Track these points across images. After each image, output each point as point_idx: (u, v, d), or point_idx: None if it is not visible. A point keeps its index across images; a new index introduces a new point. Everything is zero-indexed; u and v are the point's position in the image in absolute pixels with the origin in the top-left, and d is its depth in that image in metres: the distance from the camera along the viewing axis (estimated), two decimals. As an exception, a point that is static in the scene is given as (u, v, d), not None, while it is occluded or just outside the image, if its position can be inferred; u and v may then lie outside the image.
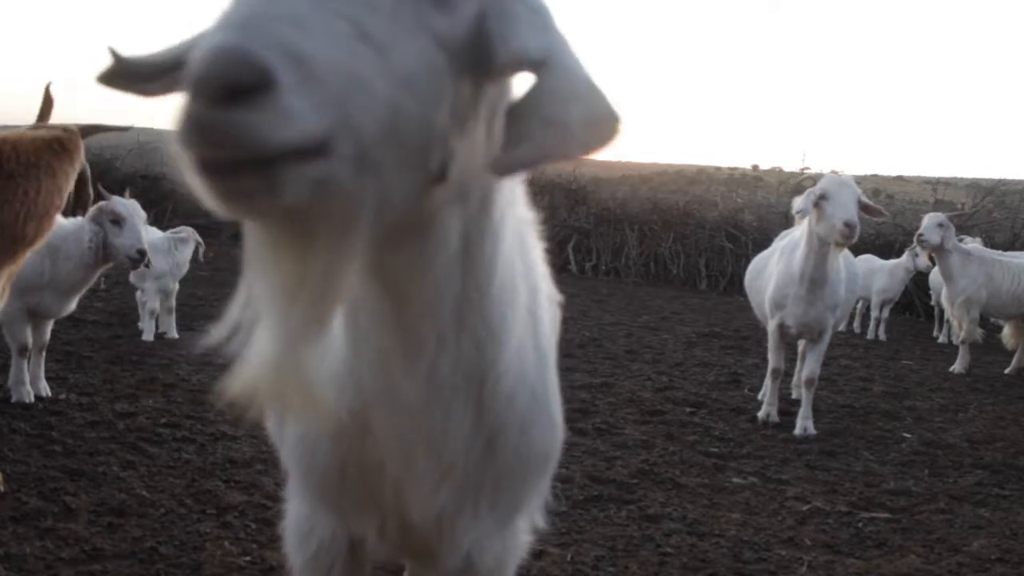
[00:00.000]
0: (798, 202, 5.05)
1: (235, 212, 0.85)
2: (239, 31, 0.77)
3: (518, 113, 1.00)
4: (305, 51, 0.79)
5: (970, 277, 7.71)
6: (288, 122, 0.77)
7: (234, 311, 0.96)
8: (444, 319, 1.17)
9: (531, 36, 1.01)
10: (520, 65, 1.01)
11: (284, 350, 0.92)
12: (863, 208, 4.88)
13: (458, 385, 1.24)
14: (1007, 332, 8.16)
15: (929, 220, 7.76)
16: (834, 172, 5.56)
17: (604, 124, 1.01)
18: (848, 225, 4.66)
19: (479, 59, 0.99)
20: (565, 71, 1.01)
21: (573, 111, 0.98)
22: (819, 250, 4.94)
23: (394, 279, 1.12)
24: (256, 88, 0.75)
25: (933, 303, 10.31)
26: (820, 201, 4.80)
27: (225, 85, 0.74)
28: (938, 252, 7.76)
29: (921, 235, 7.65)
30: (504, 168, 1.00)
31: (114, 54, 1.09)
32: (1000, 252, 8.48)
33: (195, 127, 0.77)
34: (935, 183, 19.91)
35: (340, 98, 0.82)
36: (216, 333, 0.96)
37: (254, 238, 0.92)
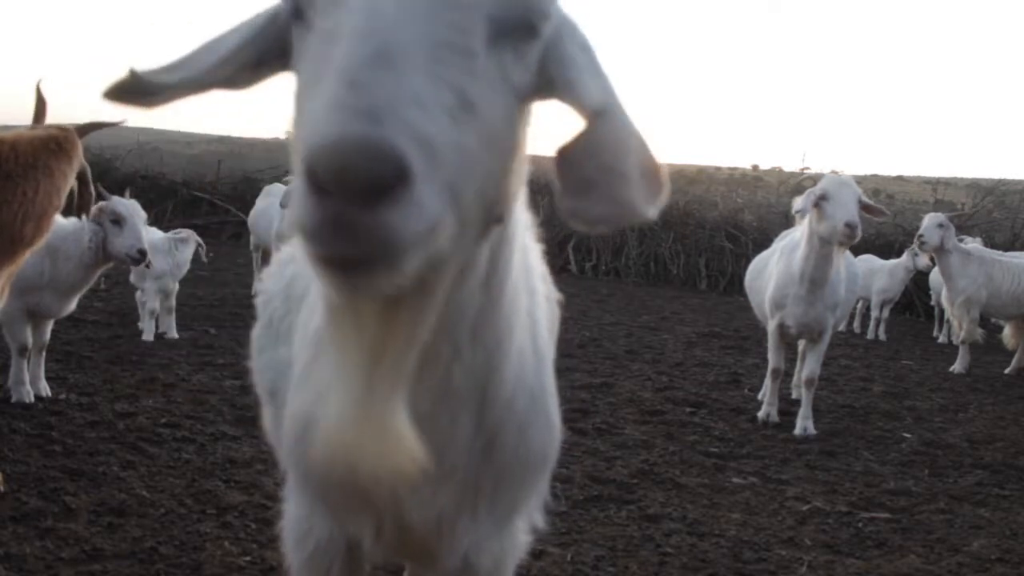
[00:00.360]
0: (798, 202, 5.05)
1: (353, 299, 0.83)
2: (375, 120, 0.73)
3: (573, 159, 1.00)
4: (430, 135, 0.77)
5: (970, 277, 7.71)
6: (421, 213, 0.75)
7: (320, 375, 0.95)
8: (462, 335, 1.18)
9: (591, 84, 1.02)
10: (578, 110, 1.02)
11: (372, 410, 0.91)
12: (864, 208, 4.87)
13: (466, 393, 1.25)
14: (1007, 332, 8.16)
15: (929, 220, 7.76)
16: (834, 172, 5.56)
17: (656, 175, 1.03)
18: (849, 225, 4.66)
19: (530, 97, 1.00)
20: (620, 121, 1.02)
21: (629, 161, 1.00)
22: (820, 250, 4.93)
23: None
24: (395, 183, 0.72)
25: (933, 303, 10.31)
26: (820, 201, 4.79)
27: (370, 184, 0.71)
28: (938, 252, 7.76)
29: (921, 236, 7.65)
30: (585, 222, 1.01)
31: (134, 73, 1.06)
32: (1000, 252, 8.48)
33: (335, 227, 0.73)
34: (935, 183, 19.95)
35: (453, 176, 0.80)
36: (302, 397, 0.93)
37: (337, 306, 0.90)
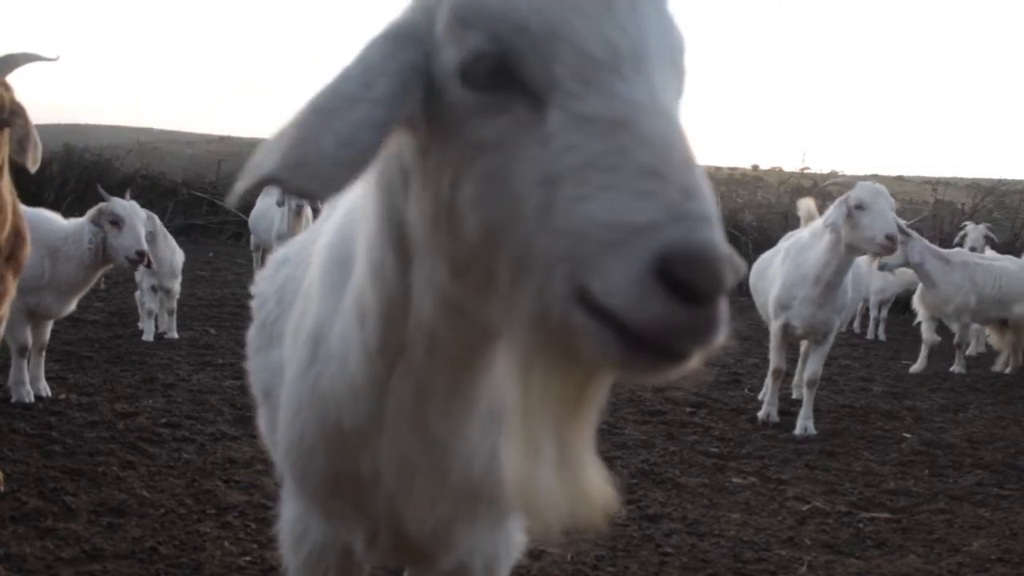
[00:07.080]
0: (830, 213, 4.82)
1: (653, 380, 0.85)
2: (714, 227, 0.77)
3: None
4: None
5: (955, 284, 7.37)
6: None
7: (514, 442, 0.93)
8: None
9: None
10: None
11: (577, 471, 0.92)
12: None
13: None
14: (992, 335, 8.04)
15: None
16: (839, 176, 5.54)
17: None
18: (890, 238, 4.61)
19: None
20: None
21: None
22: (845, 257, 4.88)
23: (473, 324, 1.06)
24: None
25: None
26: (855, 211, 4.71)
27: (728, 287, 0.77)
28: (913, 267, 7.34)
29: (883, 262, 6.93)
30: None
31: (276, 179, 0.88)
32: (980, 255, 8.10)
33: (702, 329, 0.77)
34: (935, 183, 19.90)
35: None
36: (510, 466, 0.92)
37: (548, 369, 0.89)
